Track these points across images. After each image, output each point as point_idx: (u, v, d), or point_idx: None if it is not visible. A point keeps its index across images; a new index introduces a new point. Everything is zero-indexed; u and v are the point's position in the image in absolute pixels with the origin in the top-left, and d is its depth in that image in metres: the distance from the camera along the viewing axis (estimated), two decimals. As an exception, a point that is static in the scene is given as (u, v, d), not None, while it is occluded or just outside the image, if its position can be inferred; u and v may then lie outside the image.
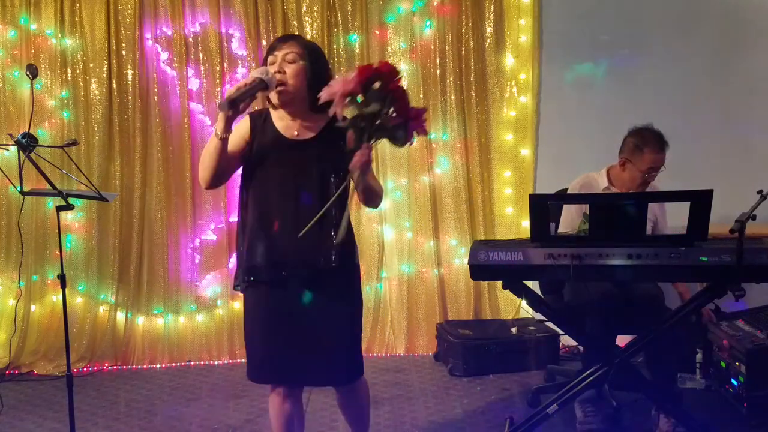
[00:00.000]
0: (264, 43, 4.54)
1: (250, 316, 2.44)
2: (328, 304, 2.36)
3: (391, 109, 2.11)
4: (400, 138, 2.15)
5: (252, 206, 2.38)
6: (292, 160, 2.34)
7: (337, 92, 2.09)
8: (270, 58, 2.35)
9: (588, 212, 2.80)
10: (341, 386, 2.51)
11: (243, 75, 4.58)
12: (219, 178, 2.35)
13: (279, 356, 2.37)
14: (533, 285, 3.25)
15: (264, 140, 2.37)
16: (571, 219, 3.33)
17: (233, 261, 4.64)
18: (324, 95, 2.12)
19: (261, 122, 2.41)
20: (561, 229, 3.36)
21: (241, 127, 2.40)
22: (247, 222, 2.40)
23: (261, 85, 2.24)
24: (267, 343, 2.38)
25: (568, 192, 3.51)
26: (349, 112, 2.11)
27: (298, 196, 2.31)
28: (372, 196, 2.38)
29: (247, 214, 2.40)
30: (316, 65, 2.35)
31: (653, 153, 3.27)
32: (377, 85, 2.09)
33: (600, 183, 3.42)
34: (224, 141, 2.25)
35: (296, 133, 2.38)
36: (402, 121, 2.13)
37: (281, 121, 2.40)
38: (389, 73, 2.10)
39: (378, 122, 2.10)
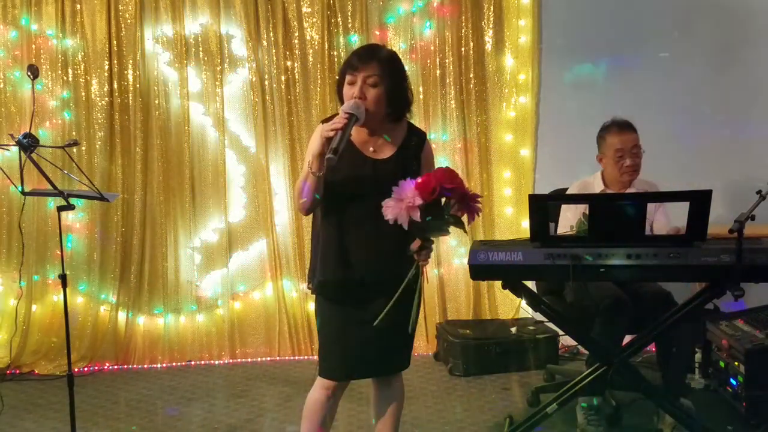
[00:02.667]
0: (264, 43, 4.55)
1: (325, 319, 2.49)
2: (396, 309, 2.39)
3: (454, 207, 2.21)
4: (462, 227, 2.25)
5: (328, 218, 2.42)
6: (369, 177, 2.37)
7: (401, 212, 2.14)
8: (349, 77, 2.35)
9: (587, 213, 2.80)
10: (396, 373, 2.61)
11: (243, 75, 4.60)
12: (317, 203, 2.39)
13: (352, 354, 2.45)
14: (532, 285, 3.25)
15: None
16: (567, 221, 3.33)
17: (233, 261, 4.65)
18: (389, 214, 2.15)
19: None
20: (560, 230, 3.36)
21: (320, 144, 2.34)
22: (321, 232, 2.44)
23: (354, 120, 2.26)
24: (340, 343, 2.45)
25: None
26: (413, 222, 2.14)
27: (373, 213, 2.31)
28: None
29: (322, 224, 2.44)
30: (396, 84, 2.39)
31: (614, 135, 3.35)
32: (439, 199, 2.16)
33: (596, 186, 3.44)
34: (320, 177, 2.28)
35: (372, 149, 2.41)
36: (462, 213, 2.23)
37: (357, 135, 2.40)
38: (449, 181, 2.16)
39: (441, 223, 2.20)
